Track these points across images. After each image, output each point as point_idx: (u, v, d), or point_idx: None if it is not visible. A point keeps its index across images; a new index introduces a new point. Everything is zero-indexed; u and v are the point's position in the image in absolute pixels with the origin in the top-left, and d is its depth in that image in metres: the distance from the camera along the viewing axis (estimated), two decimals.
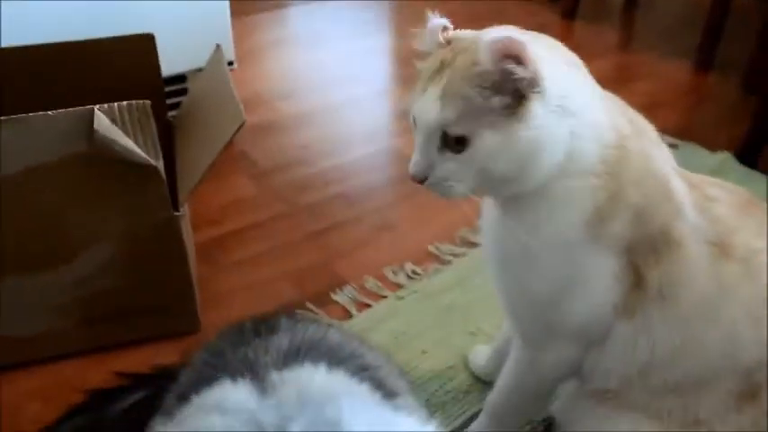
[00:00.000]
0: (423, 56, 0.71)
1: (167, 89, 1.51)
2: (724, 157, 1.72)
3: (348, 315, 1.21)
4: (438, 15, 0.72)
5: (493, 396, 0.90)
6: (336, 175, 1.63)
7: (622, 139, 0.70)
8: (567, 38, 2.89)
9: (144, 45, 1.26)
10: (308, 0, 2.78)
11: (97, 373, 1.09)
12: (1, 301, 1.05)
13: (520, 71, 0.63)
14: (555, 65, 0.67)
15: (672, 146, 1.72)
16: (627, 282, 0.72)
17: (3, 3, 1.35)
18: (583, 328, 0.76)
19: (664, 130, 1.87)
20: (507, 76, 0.63)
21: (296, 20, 2.65)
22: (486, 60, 0.63)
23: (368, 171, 1.66)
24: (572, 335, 0.78)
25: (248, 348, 0.63)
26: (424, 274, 1.30)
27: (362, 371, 0.61)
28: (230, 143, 1.65)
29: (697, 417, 0.76)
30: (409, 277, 1.29)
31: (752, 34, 2.18)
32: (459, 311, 1.21)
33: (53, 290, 1.08)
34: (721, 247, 0.72)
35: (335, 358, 0.61)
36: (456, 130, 0.66)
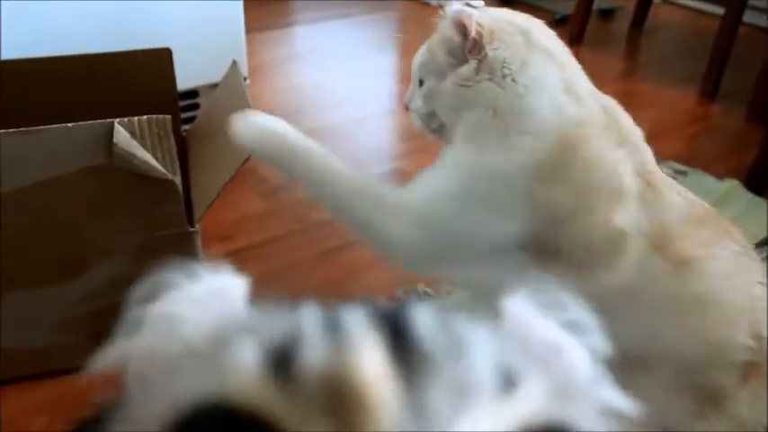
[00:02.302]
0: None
1: (180, 104, 1.51)
2: (732, 185, 1.73)
3: None
4: None
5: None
6: None
7: (585, 124, 0.76)
8: None
9: (161, 59, 1.26)
10: (316, 21, 2.80)
11: (105, 386, 1.07)
12: (10, 314, 1.04)
13: (461, 39, 0.78)
14: (515, 45, 0.78)
15: (680, 172, 1.78)
16: (537, 245, 0.77)
17: (20, 14, 1.35)
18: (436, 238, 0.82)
19: (670, 156, 1.89)
20: (456, 41, 0.78)
21: (304, 38, 2.67)
22: (446, 26, 0.80)
23: None
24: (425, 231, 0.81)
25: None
26: (437, 295, 1.29)
27: None
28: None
29: (661, 423, 0.76)
30: (423, 298, 1.29)
31: (756, 63, 2.21)
32: None
33: (63, 303, 1.06)
34: (655, 244, 0.75)
35: None
36: (419, 74, 0.86)
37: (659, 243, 0.75)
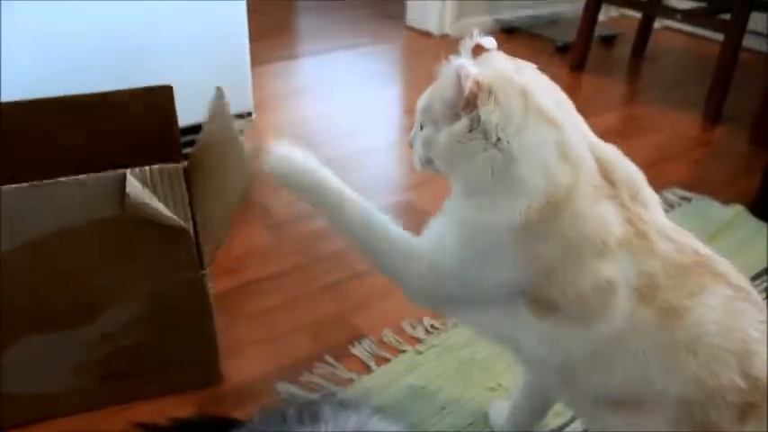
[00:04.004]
0: None
1: (188, 138, 1.53)
2: (737, 210, 1.73)
3: (367, 369, 1.20)
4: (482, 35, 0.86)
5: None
6: None
7: (574, 188, 0.77)
8: (574, 90, 2.97)
9: (162, 96, 1.28)
10: (321, 53, 2.84)
11: (115, 423, 1.08)
12: (24, 359, 1.04)
13: (458, 95, 0.77)
14: (513, 109, 0.77)
15: (685, 199, 1.78)
16: (534, 295, 0.79)
17: (20, 55, 1.37)
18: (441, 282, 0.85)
19: (674, 183, 1.90)
20: (452, 95, 0.78)
21: (309, 70, 2.70)
22: (447, 78, 0.79)
23: None
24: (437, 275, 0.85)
25: None
26: (443, 328, 1.30)
27: None
28: (245, 195, 1.69)
29: None
30: (428, 331, 1.29)
31: (757, 87, 2.22)
32: (478, 366, 1.21)
33: (76, 348, 1.07)
34: (644, 296, 0.76)
35: None
36: (420, 118, 0.86)
37: (646, 293, 0.76)
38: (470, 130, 0.78)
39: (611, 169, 0.80)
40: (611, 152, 0.82)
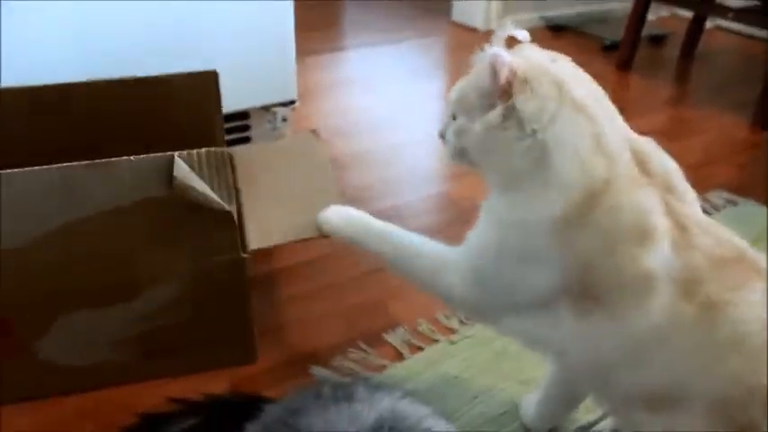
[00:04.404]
0: None
1: (230, 125, 1.56)
2: None
3: (400, 356, 1.21)
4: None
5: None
6: (391, 216, 1.64)
7: (612, 180, 0.76)
8: (621, 89, 2.92)
9: (207, 82, 1.30)
10: (366, 45, 2.85)
11: (150, 397, 1.11)
12: (69, 333, 1.08)
13: (493, 83, 0.77)
14: (547, 99, 0.77)
15: (730, 202, 1.75)
16: (577, 292, 0.78)
17: (73, 38, 1.40)
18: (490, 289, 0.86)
19: (721, 184, 1.86)
20: (487, 84, 0.78)
21: (354, 63, 2.72)
22: (481, 67, 0.79)
23: (422, 214, 1.68)
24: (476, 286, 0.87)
25: (328, 415, 0.65)
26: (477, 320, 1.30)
27: None
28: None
29: None
30: (462, 322, 1.29)
31: None
32: (510, 359, 1.21)
33: (114, 325, 1.10)
34: (685, 290, 0.75)
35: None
36: (453, 109, 0.86)
37: (687, 287, 0.75)
38: (505, 120, 0.77)
39: (646, 160, 0.79)
40: (647, 145, 0.82)
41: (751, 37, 3.02)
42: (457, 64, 2.76)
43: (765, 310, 0.74)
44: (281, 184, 1.26)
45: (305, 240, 1.11)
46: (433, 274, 0.92)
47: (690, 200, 0.81)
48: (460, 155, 0.86)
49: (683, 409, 0.77)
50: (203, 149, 1.04)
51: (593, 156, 0.76)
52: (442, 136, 0.89)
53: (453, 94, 0.85)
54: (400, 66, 2.67)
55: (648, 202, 0.77)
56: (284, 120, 1.70)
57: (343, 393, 0.68)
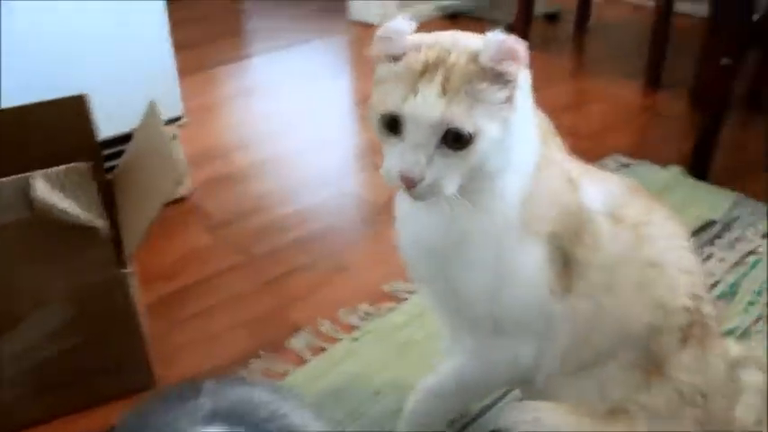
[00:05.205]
0: (387, 58, 0.71)
1: (116, 149, 1.51)
2: (675, 172, 1.75)
3: (303, 361, 1.20)
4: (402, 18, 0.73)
5: (425, 401, 0.92)
6: (293, 221, 1.63)
7: (544, 150, 0.77)
8: None
9: (77, 107, 1.27)
10: (269, 51, 2.83)
11: None
12: None
13: (513, 68, 0.67)
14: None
15: (624, 165, 1.78)
16: (558, 264, 0.77)
17: None
18: (526, 318, 0.80)
19: (620, 149, 1.91)
20: (506, 71, 0.67)
21: (257, 70, 2.69)
22: (491, 57, 0.67)
23: (325, 214, 1.66)
24: (518, 328, 0.81)
25: (170, 413, 0.65)
26: (379, 314, 1.29)
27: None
28: (184, 198, 1.68)
29: (613, 400, 0.79)
30: (363, 318, 1.29)
31: (697, 51, 2.24)
32: (415, 348, 1.20)
33: (3, 359, 1.05)
34: (615, 217, 0.78)
35: (256, 419, 0.63)
36: (464, 126, 0.67)
37: (615, 216, 0.78)
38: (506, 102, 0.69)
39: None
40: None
41: (638, 6, 3.11)
42: (358, 61, 2.76)
43: (670, 231, 0.81)
44: (139, 182, 1.23)
45: (157, 220, 1.07)
46: (475, 379, 0.87)
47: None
48: (438, 189, 0.69)
49: (613, 360, 0.79)
50: (62, 167, 1.01)
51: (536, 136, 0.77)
52: (411, 181, 0.68)
53: (444, 111, 0.66)
54: (303, 69, 2.65)
55: (561, 155, 0.80)
56: (174, 137, 1.66)
57: (191, 390, 0.68)
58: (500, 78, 0.67)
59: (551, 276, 0.77)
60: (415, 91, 0.67)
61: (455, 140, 0.67)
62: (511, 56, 0.67)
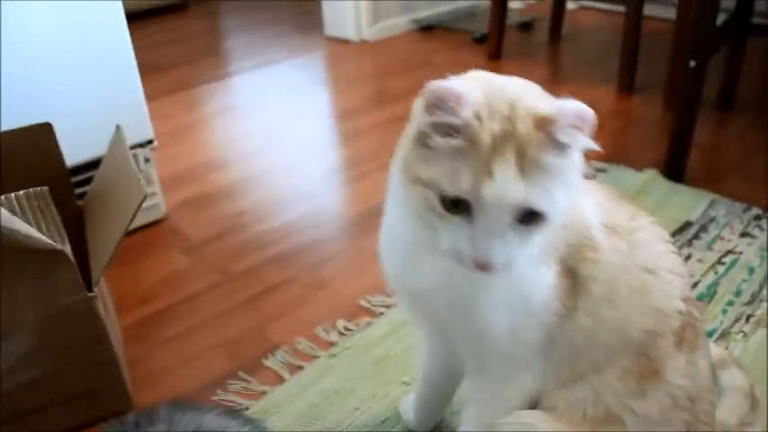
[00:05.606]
0: (440, 128, 0.63)
1: (86, 175, 1.51)
2: (651, 175, 1.76)
3: (281, 379, 1.19)
4: (455, 77, 0.66)
5: None
6: (270, 238, 1.63)
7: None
8: None
9: (42, 135, 1.25)
10: (248, 70, 2.83)
11: None
12: None
13: (584, 138, 0.63)
14: None
15: (600, 170, 1.79)
16: (566, 283, 0.75)
17: None
18: (540, 344, 0.78)
19: (595, 155, 1.91)
20: (578, 141, 0.63)
21: (236, 89, 2.69)
22: (565, 130, 0.62)
23: (302, 231, 1.66)
24: (532, 354, 0.78)
25: None
26: (356, 329, 1.28)
27: None
28: (161, 221, 1.67)
29: (607, 407, 0.77)
30: (341, 334, 1.28)
31: (669, 54, 2.26)
32: (392, 362, 1.20)
33: None
34: (609, 228, 0.77)
35: None
36: (543, 206, 0.62)
37: (611, 226, 0.77)
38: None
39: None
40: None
41: (609, 12, 3.15)
42: (335, 77, 2.77)
43: (656, 235, 0.80)
44: (107, 206, 1.22)
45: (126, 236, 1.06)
46: (497, 415, 0.81)
47: None
48: (510, 265, 0.65)
49: (608, 368, 0.78)
50: (21, 191, 1.00)
51: None
52: (488, 267, 0.64)
53: (524, 193, 0.61)
54: (280, 86, 2.65)
55: None
56: (147, 160, 1.66)
57: (147, 418, 0.68)
58: (568, 144, 0.63)
59: (562, 297, 0.75)
60: (490, 173, 0.61)
61: (530, 215, 0.63)
62: (583, 124, 0.63)
